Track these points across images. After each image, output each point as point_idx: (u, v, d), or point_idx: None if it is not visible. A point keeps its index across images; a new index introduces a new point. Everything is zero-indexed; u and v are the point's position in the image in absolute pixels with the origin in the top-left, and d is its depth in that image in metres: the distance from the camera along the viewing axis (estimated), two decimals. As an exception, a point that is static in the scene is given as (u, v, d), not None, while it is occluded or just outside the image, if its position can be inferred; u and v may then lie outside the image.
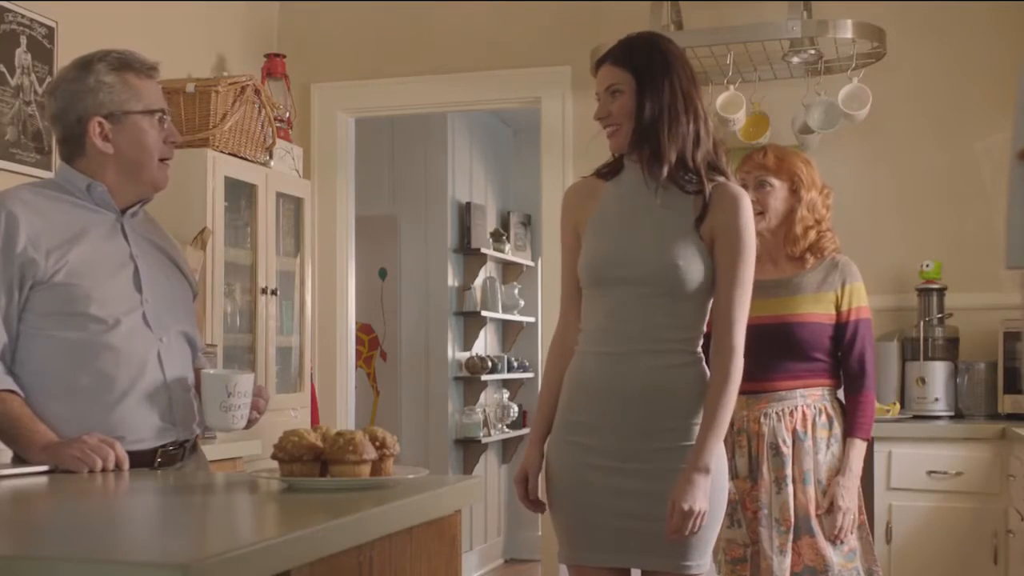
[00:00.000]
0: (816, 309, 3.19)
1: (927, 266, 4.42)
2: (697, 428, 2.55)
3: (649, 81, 2.56)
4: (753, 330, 3.10)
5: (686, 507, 2.46)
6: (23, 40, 3.77)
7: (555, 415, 2.68)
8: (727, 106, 4.48)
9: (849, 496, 3.14)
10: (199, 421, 2.50)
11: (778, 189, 3.22)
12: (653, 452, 2.55)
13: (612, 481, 2.56)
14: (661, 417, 2.56)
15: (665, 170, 2.55)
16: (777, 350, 3.16)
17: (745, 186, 3.13)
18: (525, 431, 7.31)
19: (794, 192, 3.24)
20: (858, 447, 3.17)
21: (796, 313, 3.18)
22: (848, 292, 3.22)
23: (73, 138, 2.45)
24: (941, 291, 4.41)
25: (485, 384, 6.94)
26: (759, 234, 3.21)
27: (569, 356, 2.68)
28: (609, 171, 2.69)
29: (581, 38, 4.69)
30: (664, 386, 2.56)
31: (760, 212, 3.19)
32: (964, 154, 4.56)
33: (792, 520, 3.11)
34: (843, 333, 3.21)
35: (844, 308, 3.21)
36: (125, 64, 2.46)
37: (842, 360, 3.23)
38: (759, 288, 3.12)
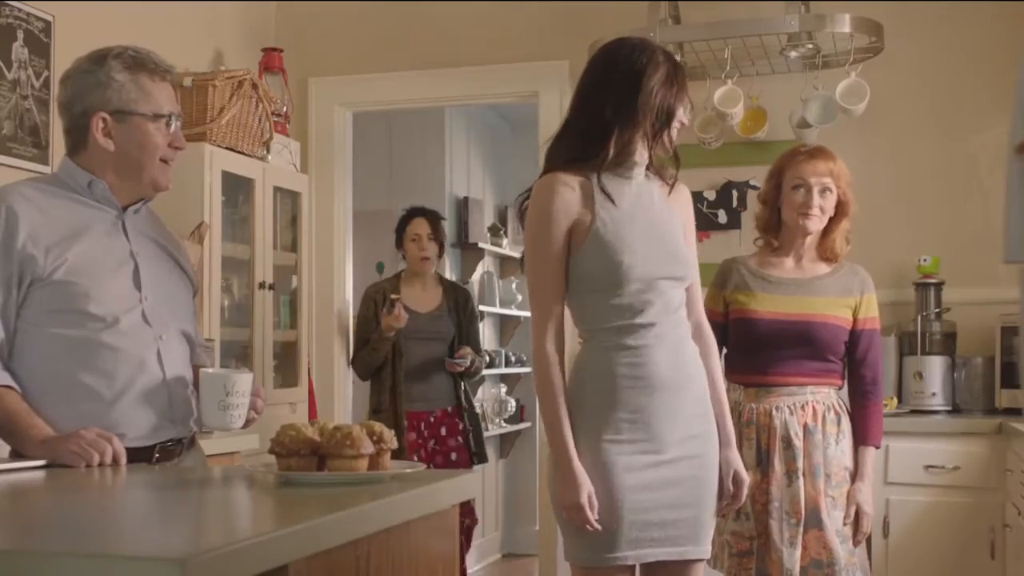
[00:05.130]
0: (836, 312, 3.24)
1: (925, 261, 4.43)
2: (710, 411, 2.65)
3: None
4: (772, 324, 3.18)
5: (744, 476, 2.70)
6: (20, 34, 3.76)
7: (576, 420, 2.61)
8: (725, 100, 4.48)
9: (871, 502, 3.21)
10: (196, 419, 2.49)
11: (834, 195, 3.23)
12: (687, 440, 2.60)
13: (651, 475, 2.56)
14: (689, 404, 2.61)
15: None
16: (795, 347, 3.20)
17: (805, 187, 3.19)
18: (523, 425, 7.31)
19: (840, 199, 3.24)
20: (872, 454, 3.25)
21: (819, 313, 3.22)
22: (866, 302, 3.27)
23: (76, 130, 2.43)
24: (939, 286, 4.42)
25: (483, 379, 6.93)
26: (808, 234, 3.25)
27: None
28: (599, 167, 2.64)
29: (579, 33, 4.68)
30: (688, 374, 2.62)
31: (818, 215, 3.21)
32: (962, 148, 4.56)
33: (802, 513, 3.13)
34: (857, 341, 3.26)
35: (860, 316, 3.27)
36: (139, 64, 2.43)
37: (854, 367, 3.28)
38: (780, 284, 3.23)
